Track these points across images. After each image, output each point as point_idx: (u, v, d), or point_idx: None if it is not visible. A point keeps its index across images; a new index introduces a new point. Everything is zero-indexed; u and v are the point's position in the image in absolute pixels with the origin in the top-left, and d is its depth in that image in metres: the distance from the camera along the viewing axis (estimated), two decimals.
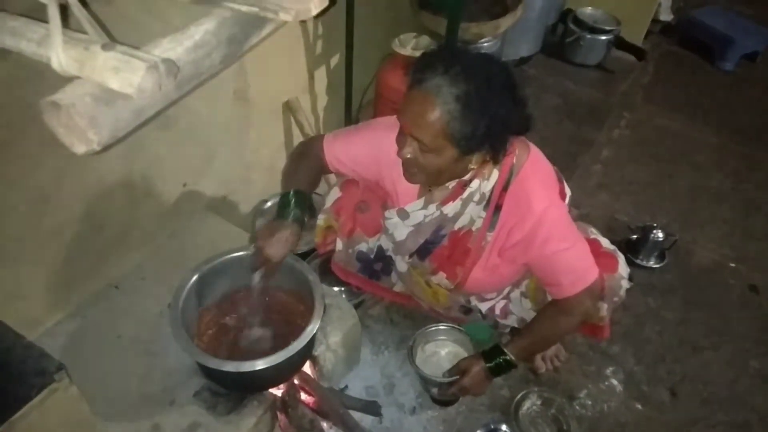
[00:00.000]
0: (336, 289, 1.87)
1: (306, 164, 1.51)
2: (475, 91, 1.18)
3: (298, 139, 2.18)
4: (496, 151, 1.29)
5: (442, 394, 1.65)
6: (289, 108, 2.10)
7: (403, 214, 1.52)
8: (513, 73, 1.28)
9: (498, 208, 1.41)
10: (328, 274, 1.86)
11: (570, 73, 3.26)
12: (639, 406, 1.81)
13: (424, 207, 1.48)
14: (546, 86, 3.17)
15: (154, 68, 0.69)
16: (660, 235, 2.22)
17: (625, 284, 1.53)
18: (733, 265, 2.29)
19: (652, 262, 2.24)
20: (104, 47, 0.72)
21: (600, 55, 3.25)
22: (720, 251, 2.35)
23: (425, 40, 2.23)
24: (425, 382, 1.68)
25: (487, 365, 1.48)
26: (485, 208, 1.42)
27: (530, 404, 1.74)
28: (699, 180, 2.68)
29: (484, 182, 1.39)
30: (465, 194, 1.41)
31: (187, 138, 1.70)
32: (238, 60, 1.59)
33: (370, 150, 1.48)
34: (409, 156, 1.27)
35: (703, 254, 2.33)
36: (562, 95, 3.13)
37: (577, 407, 1.78)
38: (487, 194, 1.40)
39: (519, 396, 1.74)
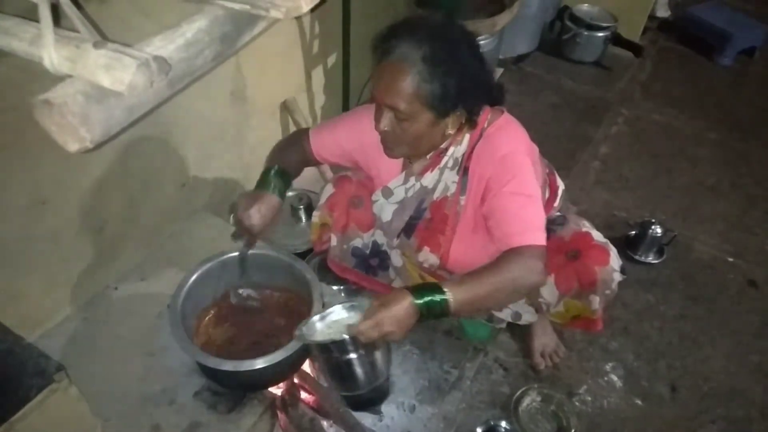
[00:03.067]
0: (335, 288, 1.88)
1: (290, 152, 1.53)
2: (440, 49, 1.22)
3: None
4: (470, 112, 1.32)
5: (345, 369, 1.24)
6: (286, 108, 2.10)
7: (387, 192, 1.54)
8: (473, 34, 1.32)
9: (467, 169, 1.41)
10: (326, 273, 1.86)
11: (567, 70, 3.27)
12: (639, 402, 1.81)
13: (405, 181, 1.50)
14: (543, 83, 3.17)
15: (145, 65, 0.70)
16: (659, 230, 2.22)
17: (618, 277, 1.52)
18: (731, 260, 2.29)
19: (651, 258, 2.25)
20: (95, 45, 0.72)
21: (597, 51, 3.25)
22: (719, 246, 2.35)
23: None
24: (327, 357, 1.23)
25: (417, 302, 1.16)
26: (458, 172, 1.43)
27: (530, 401, 1.74)
28: (697, 175, 2.68)
29: (457, 148, 1.41)
30: (441, 163, 1.43)
31: (185, 138, 1.70)
32: (232, 57, 1.59)
33: (352, 134, 1.50)
34: (386, 128, 1.30)
35: (702, 249, 2.33)
36: (559, 92, 3.13)
37: (577, 403, 1.78)
38: (460, 159, 1.41)
39: (519, 392, 1.74)
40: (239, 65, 1.78)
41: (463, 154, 1.41)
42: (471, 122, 1.36)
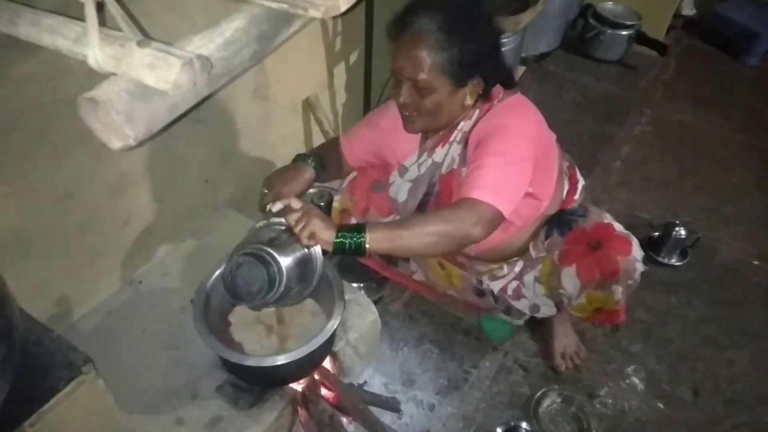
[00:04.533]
0: (355, 285, 1.88)
1: (326, 155, 1.58)
2: (457, 17, 1.26)
3: (317, 136, 2.19)
4: (487, 81, 1.35)
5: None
6: (308, 105, 2.11)
7: (402, 170, 1.56)
8: (486, 6, 1.35)
9: (468, 142, 1.41)
10: (347, 270, 1.87)
11: (590, 68, 3.23)
12: (660, 405, 1.79)
13: (419, 158, 1.52)
14: (566, 82, 3.15)
15: (189, 65, 0.71)
16: (682, 232, 2.19)
17: (640, 267, 1.51)
18: (757, 263, 2.26)
19: (674, 260, 2.22)
20: (139, 44, 0.73)
21: (621, 50, 3.21)
22: (744, 249, 2.31)
23: None
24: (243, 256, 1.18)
25: (337, 240, 1.17)
26: (464, 146, 1.43)
27: (550, 402, 1.73)
28: (722, 177, 2.64)
29: (467, 122, 1.42)
30: (452, 137, 1.44)
31: (208, 135, 1.72)
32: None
33: (371, 127, 1.58)
34: (406, 100, 1.33)
35: (726, 252, 2.30)
36: (582, 91, 3.10)
37: (598, 405, 1.77)
38: (467, 132, 1.42)
39: (539, 393, 1.73)
40: (263, 63, 1.79)
41: (471, 127, 1.42)
42: (486, 96, 1.38)
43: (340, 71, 2.24)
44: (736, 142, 2.84)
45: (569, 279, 1.52)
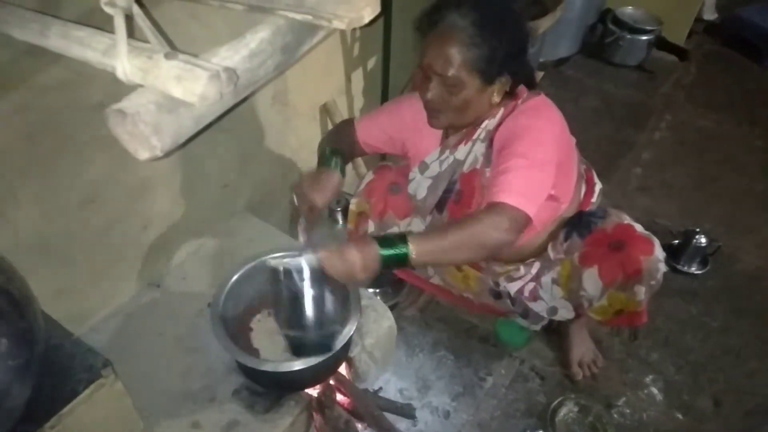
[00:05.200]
0: (371, 290, 1.88)
1: (338, 141, 1.57)
2: (489, 14, 1.27)
3: None
4: (516, 79, 1.36)
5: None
6: (326, 110, 2.12)
7: (423, 167, 1.55)
8: (516, 4, 1.37)
9: (492, 141, 1.41)
10: None
11: (609, 74, 3.21)
12: (680, 416, 1.76)
13: (440, 155, 1.52)
14: (585, 87, 3.12)
15: (216, 77, 0.71)
16: (703, 240, 2.17)
17: (662, 267, 1.49)
18: None
19: (694, 268, 2.19)
20: (167, 56, 0.74)
21: (640, 55, 3.19)
22: (766, 257, 2.27)
23: None
24: (277, 287, 1.20)
25: (382, 252, 1.17)
26: (488, 146, 1.42)
27: (567, 411, 1.72)
28: (744, 184, 2.60)
29: (491, 121, 1.41)
30: (475, 135, 1.44)
31: (227, 141, 1.73)
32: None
33: (393, 118, 1.56)
34: (434, 96, 1.33)
35: (748, 260, 2.26)
36: (601, 96, 3.07)
37: (615, 415, 1.75)
38: (492, 131, 1.42)
39: (555, 402, 1.72)
40: None
41: (496, 127, 1.41)
42: (511, 94, 1.38)
43: (357, 77, 2.25)
44: (759, 149, 2.80)
45: (591, 280, 1.50)
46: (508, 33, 1.29)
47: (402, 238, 1.18)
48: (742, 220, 2.43)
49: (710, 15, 3.55)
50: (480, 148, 1.45)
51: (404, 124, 1.54)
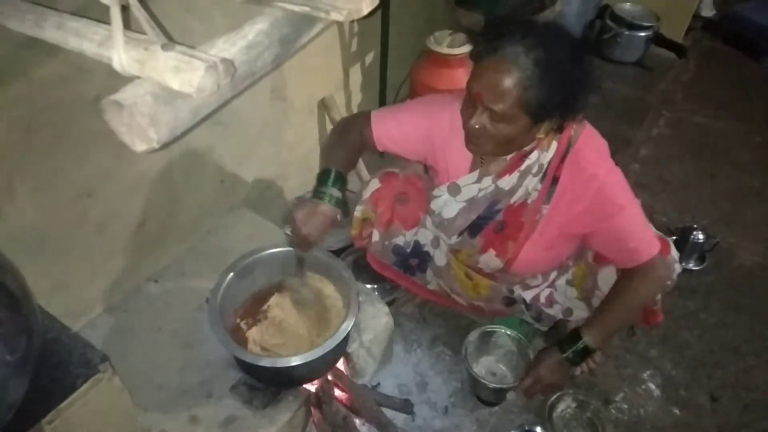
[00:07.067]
0: (369, 286, 1.88)
1: (349, 140, 1.48)
2: (553, 55, 1.18)
3: None
4: (565, 120, 1.29)
5: (499, 398, 1.72)
6: (324, 106, 2.11)
7: (455, 189, 1.48)
8: (581, 42, 1.30)
9: (555, 180, 1.38)
10: (360, 271, 1.87)
11: (607, 70, 3.20)
12: (677, 411, 1.77)
13: (478, 180, 1.45)
14: None
15: (214, 68, 0.71)
16: (700, 236, 2.17)
17: (678, 267, 1.50)
18: None
19: (692, 265, 2.19)
20: (164, 47, 0.73)
21: (638, 52, 3.18)
22: (763, 254, 2.27)
23: (460, 38, 2.22)
24: (480, 386, 1.69)
25: (564, 356, 1.42)
26: (542, 180, 1.39)
27: (565, 406, 1.72)
28: (742, 180, 2.60)
29: (543, 154, 1.36)
30: (523, 166, 1.38)
31: (225, 136, 1.73)
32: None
33: (421, 126, 1.46)
34: (478, 126, 1.26)
35: (745, 257, 2.26)
36: (598, 93, 3.06)
37: (613, 411, 1.75)
38: (545, 166, 1.38)
39: (553, 398, 1.72)
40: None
41: (550, 161, 1.37)
42: (559, 129, 1.33)
43: (355, 72, 2.24)
44: (756, 145, 2.80)
45: (608, 279, 1.50)
46: (569, 79, 1.20)
47: (575, 336, 1.40)
48: (739, 217, 2.43)
49: (708, 12, 3.55)
50: (533, 182, 1.40)
51: (432, 137, 1.45)
